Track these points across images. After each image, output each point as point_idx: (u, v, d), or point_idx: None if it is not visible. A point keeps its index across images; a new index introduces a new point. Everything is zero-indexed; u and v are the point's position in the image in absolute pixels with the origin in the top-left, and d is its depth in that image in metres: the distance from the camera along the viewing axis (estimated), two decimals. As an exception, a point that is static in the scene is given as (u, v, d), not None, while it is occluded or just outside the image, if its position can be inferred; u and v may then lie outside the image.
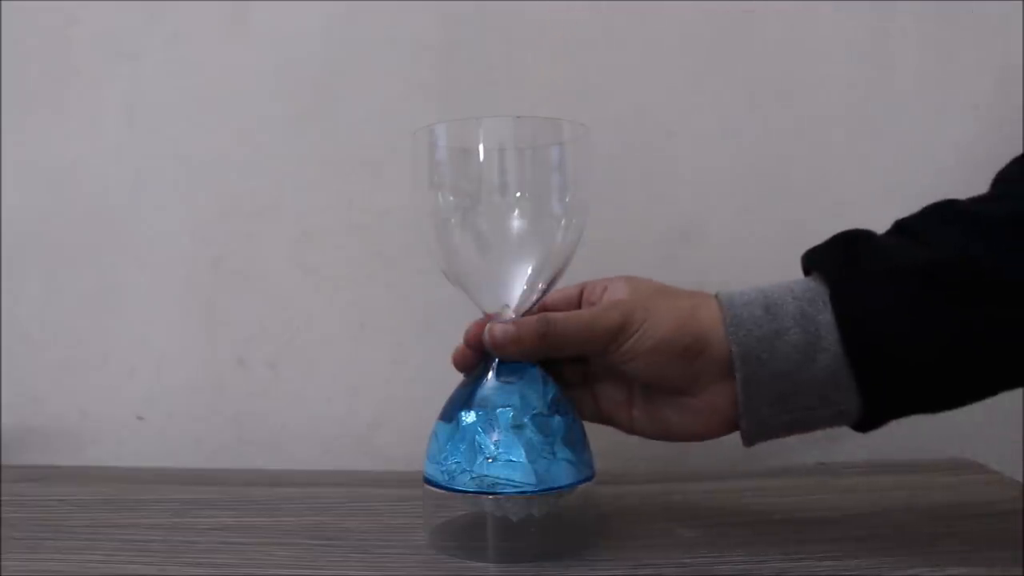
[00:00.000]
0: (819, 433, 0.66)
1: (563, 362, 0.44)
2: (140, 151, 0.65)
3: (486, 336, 0.42)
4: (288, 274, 0.65)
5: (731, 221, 0.64)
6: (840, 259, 0.40)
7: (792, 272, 0.64)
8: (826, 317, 0.39)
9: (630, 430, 0.45)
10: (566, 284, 0.46)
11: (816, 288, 0.40)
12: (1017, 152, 0.63)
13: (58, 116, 0.66)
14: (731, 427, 0.42)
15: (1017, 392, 0.63)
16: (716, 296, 0.42)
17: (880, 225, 0.68)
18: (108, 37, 0.65)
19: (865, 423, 0.41)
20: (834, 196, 0.63)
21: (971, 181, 0.63)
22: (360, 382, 0.65)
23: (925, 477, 0.56)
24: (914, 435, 0.64)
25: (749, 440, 0.42)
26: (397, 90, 0.64)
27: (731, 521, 0.47)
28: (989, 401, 0.64)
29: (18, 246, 0.66)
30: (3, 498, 0.53)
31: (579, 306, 0.45)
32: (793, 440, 0.66)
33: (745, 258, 0.64)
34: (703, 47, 0.64)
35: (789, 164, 0.64)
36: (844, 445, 0.64)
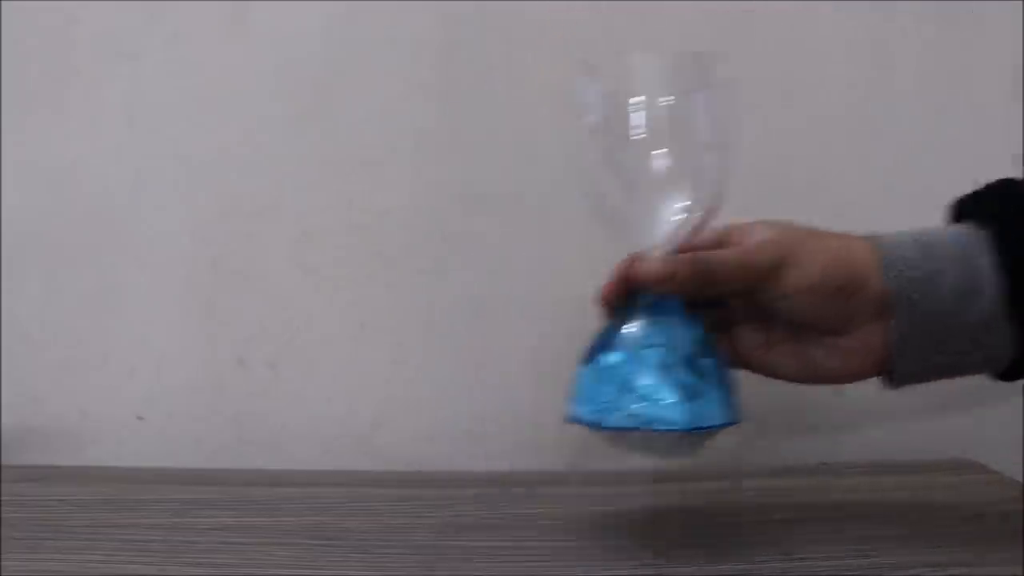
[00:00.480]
0: (820, 433, 0.66)
1: (702, 305, 0.44)
2: (140, 151, 0.65)
3: (640, 271, 0.41)
4: (288, 274, 0.65)
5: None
6: (999, 205, 0.41)
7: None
8: (985, 261, 0.39)
9: (772, 373, 0.44)
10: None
11: (973, 232, 0.40)
12: (1018, 152, 0.63)
13: (58, 116, 0.65)
14: (879, 369, 0.42)
15: (1017, 392, 0.63)
16: (868, 238, 0.42)
17: (880, 225, 0.68)
18: (108, 37, 0.65)
19: (1012, 371, 0.41)
20: (834, 196, 0.63)
21: (971, 181, 0.63)
22: (360, 382, 0.65)
23: (926, 477, 0.56)
24: (915, 436, 0.64)
25: (898, 382, 0.42)
26: (397, 90, 0.64)
27: (731, 521, 0.48)
28: (989, 401, 0.64)
29: (18, 246, 0.66)
30: (3, 498, 0.53)
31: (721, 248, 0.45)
32: (795, 440, 0.66)
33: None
34: (703, 47, 0.64)
35: (789, 164, 0.64)
36: (846, 445, 0.64)
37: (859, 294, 0.40)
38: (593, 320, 0.64)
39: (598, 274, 0.64)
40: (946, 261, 0.39)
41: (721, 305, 0.45)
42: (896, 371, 0.41)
